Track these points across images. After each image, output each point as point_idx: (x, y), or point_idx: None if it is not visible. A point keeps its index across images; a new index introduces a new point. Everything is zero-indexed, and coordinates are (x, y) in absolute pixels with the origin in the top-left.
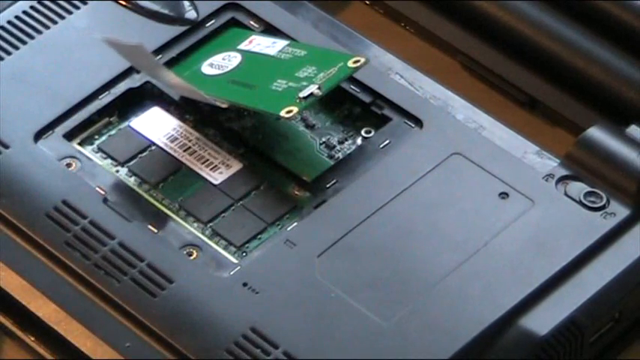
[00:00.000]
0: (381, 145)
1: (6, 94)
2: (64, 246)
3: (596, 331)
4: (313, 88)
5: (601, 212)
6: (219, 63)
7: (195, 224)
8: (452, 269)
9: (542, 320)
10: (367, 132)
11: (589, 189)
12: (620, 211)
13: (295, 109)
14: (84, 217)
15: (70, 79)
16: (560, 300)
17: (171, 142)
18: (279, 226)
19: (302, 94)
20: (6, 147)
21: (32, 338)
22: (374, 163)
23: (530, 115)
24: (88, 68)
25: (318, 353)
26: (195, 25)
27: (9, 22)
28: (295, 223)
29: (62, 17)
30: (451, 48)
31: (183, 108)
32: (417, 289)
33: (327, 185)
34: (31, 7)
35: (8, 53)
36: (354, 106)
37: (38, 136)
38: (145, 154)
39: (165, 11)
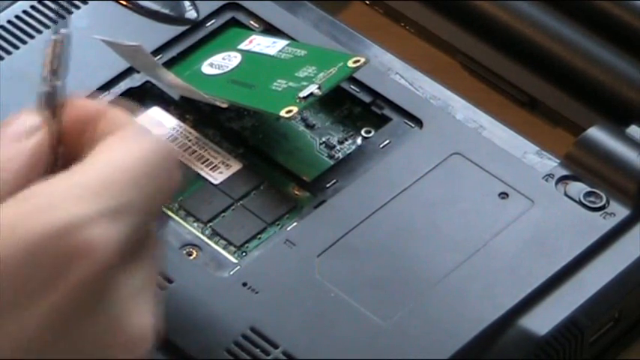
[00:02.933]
0: (381, 145)
1: (6, 94)
2: None
3: (596, 331)
4: (313, 88)
5: (601, 212)
6: (219, 63)
7: (195, 224)
8: (452, 269)
9: (542, 320)
10: (367, 132)
11: (589, 189)
12: (620, 211)
13: (295, 109)
14: None
15: (70, 78)
16: (560, 300)
17: (171, 141)
18: (279, 226)
19: (302, 94)
20: None
21: None
22: (374, 163)
23: (530, 115)
24: (88, 68)
25: (317, 353)
26: (196, 24)
27: (9, 22)
28: (295, 223)
29: (62, 17)
30: (451, 48)
31: (183, 108)
32: (416, 289)
33: (327, 185)
34: (32, 7)
35: (8, 53)
36: (354, 106)
37: None
38: None
39: (166, 11)
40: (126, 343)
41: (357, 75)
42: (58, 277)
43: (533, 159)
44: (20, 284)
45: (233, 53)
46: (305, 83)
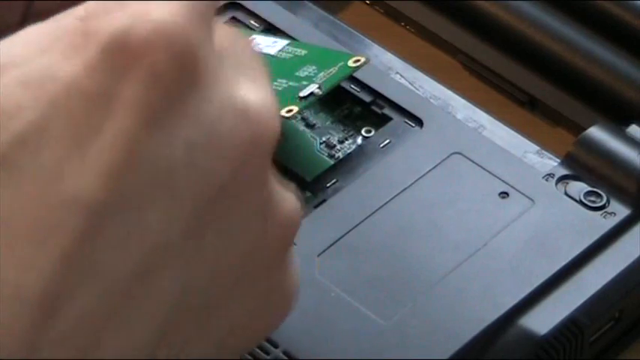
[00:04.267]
0: (382, 145)
1: None
2: None
3: (596, 331)
4: (313, 88)
5: (601, 212)
6: None
7: None
8: (452, 269)
9: (543, 320)
10: (367, 131)
11: (589, 189)
12: (620, 211)
13: (295, 109)
14: None
15: None
16: (560, 299)
17: None
18: None
19: (302, 94)
20: None
21: None
22: (374, 163)
23: (531, 115)
24: None
25: (317, 352)
26: None
27: None
28: None
29: None
30: (451, 48)
31: None
32: (417, 289)
33: (327, 185)
34: None
35: None
36: (355, 106)
37: None
38: None
39: None
40: (235, 125)
41: (357, 74)
42: (133, 73)
43: (534, 158)
44: (97, 95)
45: None
46: (305, 83)
